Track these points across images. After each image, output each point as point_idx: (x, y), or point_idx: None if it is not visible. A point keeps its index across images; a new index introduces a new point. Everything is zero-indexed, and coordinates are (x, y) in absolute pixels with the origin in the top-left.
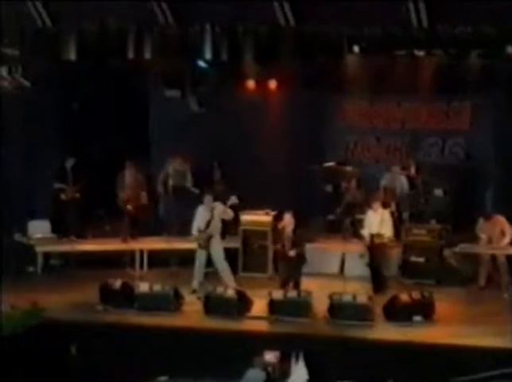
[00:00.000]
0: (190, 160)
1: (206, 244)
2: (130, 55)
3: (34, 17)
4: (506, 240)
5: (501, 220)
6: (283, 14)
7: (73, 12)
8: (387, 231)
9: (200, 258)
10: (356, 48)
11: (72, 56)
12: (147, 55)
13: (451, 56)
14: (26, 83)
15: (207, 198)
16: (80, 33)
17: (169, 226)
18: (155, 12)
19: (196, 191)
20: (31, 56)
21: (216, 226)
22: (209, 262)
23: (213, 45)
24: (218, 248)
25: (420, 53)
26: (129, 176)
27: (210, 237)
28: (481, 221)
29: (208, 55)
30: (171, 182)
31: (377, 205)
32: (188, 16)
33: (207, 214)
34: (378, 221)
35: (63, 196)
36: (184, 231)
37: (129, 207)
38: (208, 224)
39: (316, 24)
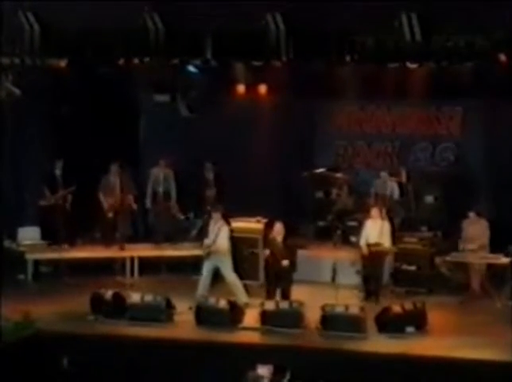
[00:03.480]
0: (173, 165)
1: (207, 256)
2: (120, 61)
3: (23, 24)
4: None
5: (485, 224)
6: (275, 24)
7: (62, 18)
8: (386, 242)
9: (206, 269)
10: (348, 59)
11: (62, 63)
12: (136, 61)
13: (444, 68)
14: (17, 91)
15: (215, 215)
16: (69, 39)
17: (156, 233)
18: (146, 19)
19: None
20: (20, 63)
21: (223, 242)
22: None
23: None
24: (226, 263)
25: (413, 66)
26: (113, 179)
27: (210, 252)
28: (467, 220)
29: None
30: (152, 190)
31: (376, 214)
32: (178, 23)
33: (214, 230)
34: (377, 232)
35: (43, 202)
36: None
37: (110, 214)
38: (215, 239)
39: (307, 35)
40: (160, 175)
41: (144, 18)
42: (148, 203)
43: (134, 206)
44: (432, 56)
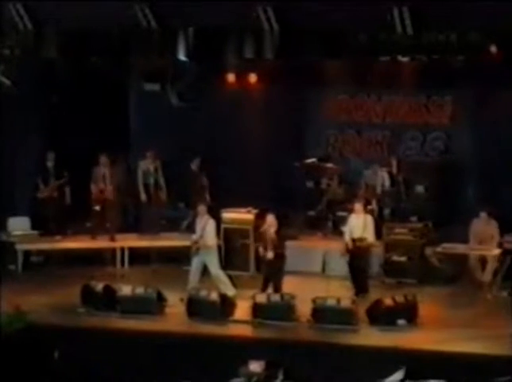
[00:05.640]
0: (159, 157)
1: (196, 251)
2: (112, 55)
3: (15, 20)
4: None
5: (494, 223)
6: (266, 19)
7: (55, 15)
8: (370, 236)
9: (195, 264)
10: (340, 53)
11: (53, 55)
12: (128, 55)
13: (435, 61)
14: (7, 82)
15: (200, 208)
16: (62, 35)
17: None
18: (137, 15)
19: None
20: (10, 54)
21: (210, 237)
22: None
23: (194, 47)
24: (212, 257)
25: (405, 59)
26: (103, 170)
27: (199, 247)
28: (474, 220)
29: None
30: (142, 181)
31: (359, 208)
32: (170, 18)
33: (201, 225)
34: (361, 226)
35: (39, 195)
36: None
37: (97, 206)
38: (201, 234)
39: (299, 29)
40: (150, 167)
41: (136, 13)
42: (142, 196)
43: (111, 197)
44: (423, 50)
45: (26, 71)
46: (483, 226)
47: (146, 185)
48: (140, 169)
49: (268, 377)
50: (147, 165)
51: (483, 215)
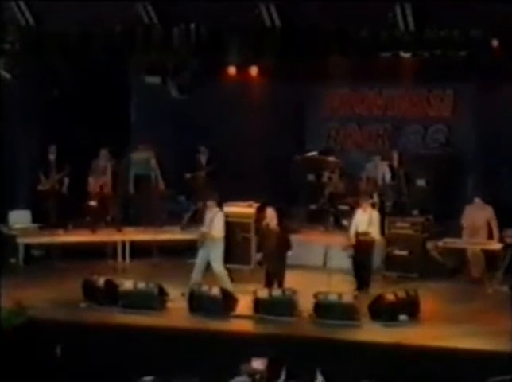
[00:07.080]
0: (154, 148)
1: (202, 243)
2: (113, 51)
3: (17, 15)
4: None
5: (489, 209)
6: (269, 16)
7: (58, 13)
8: (374, 231)
9: (200, 257)
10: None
11: (55, 51)
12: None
13: (437, 56)
14: (7, 76)
15: (210, 202)
16: (63, 32)
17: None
18: (140, 13)
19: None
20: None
21: (218, 230)
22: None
23: (195, 43)
24: (217, 251)
25: (406, 55)
26: (102, 164)
27: (204, 238)
28: (468, 207)
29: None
30: (133, 171)
31: (367, 204)
32: (172, 16)
33: (209, 218)
34: (366, 221)
35: (40, 187)
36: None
37: (92, 202)
38: (210, 227)
39: (301, 26)
40: (142, 159)
41: (138, 11)
42: (131, 188)
43: (110, 191)
44: (425, 46)
45: (27, 64)
46: (477, 211)
47: (138, 177)
48: (131, 161)
49: (270, 375)
50: (139, 156)
51: (478, 200)
